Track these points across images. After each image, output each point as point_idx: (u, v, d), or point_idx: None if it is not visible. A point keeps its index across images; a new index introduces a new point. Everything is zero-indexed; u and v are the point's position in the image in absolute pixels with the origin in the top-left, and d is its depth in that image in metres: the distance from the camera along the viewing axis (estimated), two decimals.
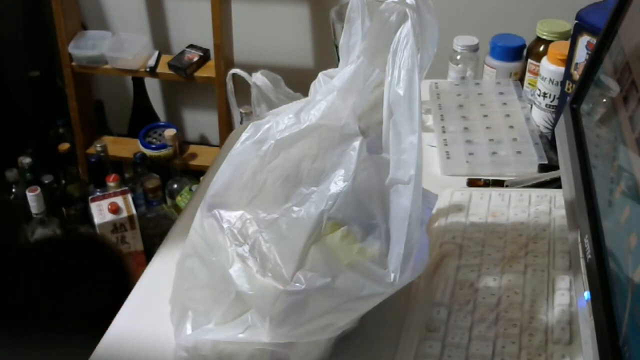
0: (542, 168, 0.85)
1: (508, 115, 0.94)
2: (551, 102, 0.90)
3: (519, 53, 0.99)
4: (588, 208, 0.60)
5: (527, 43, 0.98)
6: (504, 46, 0.98)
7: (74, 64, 1.86)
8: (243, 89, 1.83)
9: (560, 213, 0.73)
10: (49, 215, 1.67)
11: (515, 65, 0.99)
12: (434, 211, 0.69)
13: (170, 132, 1.87)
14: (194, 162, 1.95)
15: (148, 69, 1.85)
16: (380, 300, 0.55)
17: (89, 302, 0.78)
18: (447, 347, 0.60)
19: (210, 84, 1.86)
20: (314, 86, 0.65)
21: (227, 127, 1.89)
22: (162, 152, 1.89)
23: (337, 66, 0.93)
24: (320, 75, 0.64)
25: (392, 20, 0.59)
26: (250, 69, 1.80)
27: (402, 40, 0.55)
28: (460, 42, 1.00)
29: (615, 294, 0.51)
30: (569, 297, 0.63)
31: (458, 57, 1.01)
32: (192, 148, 2.00)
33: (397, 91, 0.55)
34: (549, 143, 0.89)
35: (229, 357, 0.57)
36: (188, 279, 0.60)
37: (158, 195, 1.74)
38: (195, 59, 1.86)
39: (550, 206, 0.75)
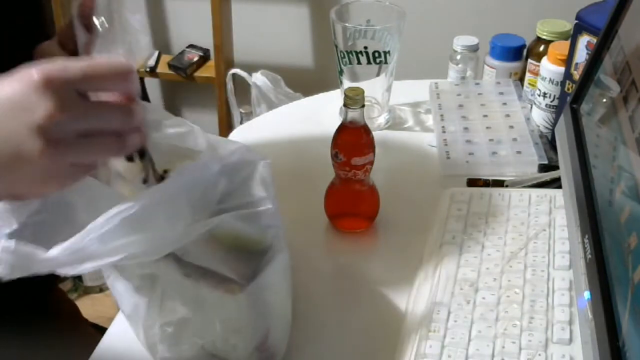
0: (542, 168, 0.85)
1: (508, 115, 0.94)
2: (551, 102, 0.90)
3: (519, 53, 0.99)
4: (588, 208, 0.60)
5: (527, 43, 0.98)
6: (504, 46, 0.98)
7: None
8: (243, 89, 1.83)
9: (560, 213, 0.73)
10: None
11: (515, 65, 0.99)
12: None
13: None
14: None
15: (148, 69, 1.85)
16: None
17: None
18: (447, 347, 0.60)
19: (210, 84, 1.86)
20: None
21: (227, 127, 1.89)
22: None
23: (337, 66, 0.94)
24: None
25: None
26: (250, 69, 1.80)
27: None
28: (460, 42, 1.00)
29: (615, 294, 0.51)
30: (569, 297, 0.63)
31: (458, 57, 1.01)
32: None
33: None
34: (549, 143, 0.89)
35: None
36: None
37: None
38: (195, 59, 1.86)
39: (550, 206, 0.75)
